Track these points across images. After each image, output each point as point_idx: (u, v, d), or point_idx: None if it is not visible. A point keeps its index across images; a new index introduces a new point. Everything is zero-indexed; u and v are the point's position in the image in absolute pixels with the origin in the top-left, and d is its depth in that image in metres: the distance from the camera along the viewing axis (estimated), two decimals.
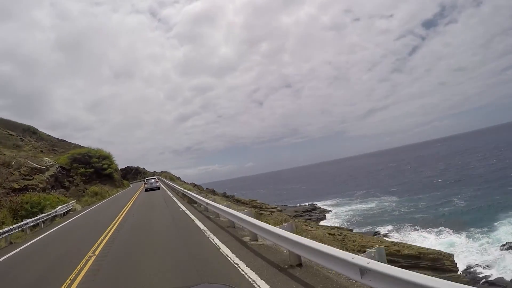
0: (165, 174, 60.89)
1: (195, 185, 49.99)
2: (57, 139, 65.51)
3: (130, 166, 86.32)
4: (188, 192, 20.73)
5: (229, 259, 7.07)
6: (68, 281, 6.96)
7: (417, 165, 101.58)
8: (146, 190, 37.72)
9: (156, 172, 74.38)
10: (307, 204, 63.92)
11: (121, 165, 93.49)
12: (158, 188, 38.50)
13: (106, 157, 49.57)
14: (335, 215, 49.52)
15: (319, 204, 61.16)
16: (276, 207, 50.56)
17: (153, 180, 40.27)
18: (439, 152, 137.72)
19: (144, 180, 47.13)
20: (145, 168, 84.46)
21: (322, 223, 46.09)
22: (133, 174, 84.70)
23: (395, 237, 34.91)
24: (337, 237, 20.71)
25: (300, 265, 5.97)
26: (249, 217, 8.20)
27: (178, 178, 58.08)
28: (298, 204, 64.34)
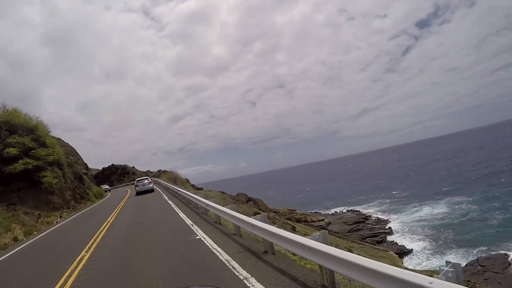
0: (168, 175, 44.50)
1: (253, 202, 33.70)
2: None
3: (115, 164, 71.10)
4: None
5: None
6: None
7: (444, 161, 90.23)
8: (138, 193, 31.25)
9: (151, 172, 58.89)
10: (344, 210, 51.20)
11: (105, 164, 78.73)
12: (153, 190, 31.96)
13: (30, 131, 24.45)
14: (406, 228, 36.37)
15: (362, 210, 48.20)
16: (323, 219, 37.42)
17: (145, 181, 33.06)
18: (452, 149, 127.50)
19: (134, 183, 36.10)
20: (135, 167, 69.18)
21: (394, 239, 32.99)
22: (118, 175, 69.42)
23: None
24: None
25: None
26: None
27: (187, 181, 43.04)
28: (334, 211, 51.27)
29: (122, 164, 70.58)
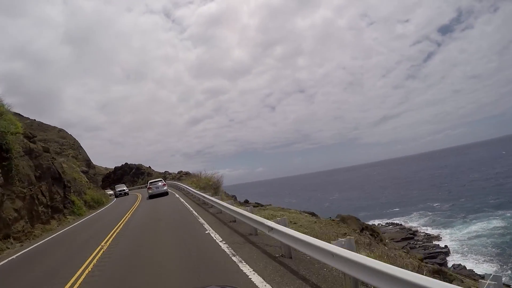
0: (198, 181, 31.49)
1: (371, 233, 21.76)
2: None
3: (129, 163, 67.71)
4: None
5: None
6: None
7: (477, 171, 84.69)
8: (150, 197, 29.32)
9: (170, 174, 54.18)
10: (383, 223, 46.93)
11: (118, 163, 74.96)
12: (167, 193, 30.03)
13: None
14: (465, 246, 31.92)
15: (403, 224, 43.82)
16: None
17: (159, 184, 31.14)
18: (479, 159, 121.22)
19: (146, 185, 33.92)
20: (152, 168, 65.56)
21: (457, 260, 28.60)
22: (132, 175, 66.17)
23: None
24: None
25: None
26: None
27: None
28: (371, 223, 46.93)
29: (136, 163, 67.16)
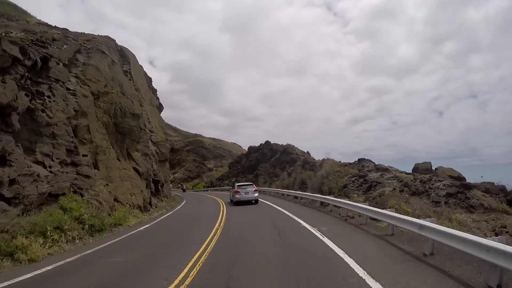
0: None
1: None
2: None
3: (271, 143, 46.27)
4: None
5: None
6: None
7: None
8: (236, 203, 24.75)
9: (364, 168, 25.98)
10: None
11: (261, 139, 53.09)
12: (256, 202, 25.07)
13: None
14: None
15: None
16: None
17: (250, 188, 25.80)
18: None
19: (233, 188, 26.68)
20: (310, 154, 42.35)
21: None
22: (273, 163, 44.96)
23: None
24: None
25: None
26: None
27: None
28: None
29: (283, 144, 44.62)
